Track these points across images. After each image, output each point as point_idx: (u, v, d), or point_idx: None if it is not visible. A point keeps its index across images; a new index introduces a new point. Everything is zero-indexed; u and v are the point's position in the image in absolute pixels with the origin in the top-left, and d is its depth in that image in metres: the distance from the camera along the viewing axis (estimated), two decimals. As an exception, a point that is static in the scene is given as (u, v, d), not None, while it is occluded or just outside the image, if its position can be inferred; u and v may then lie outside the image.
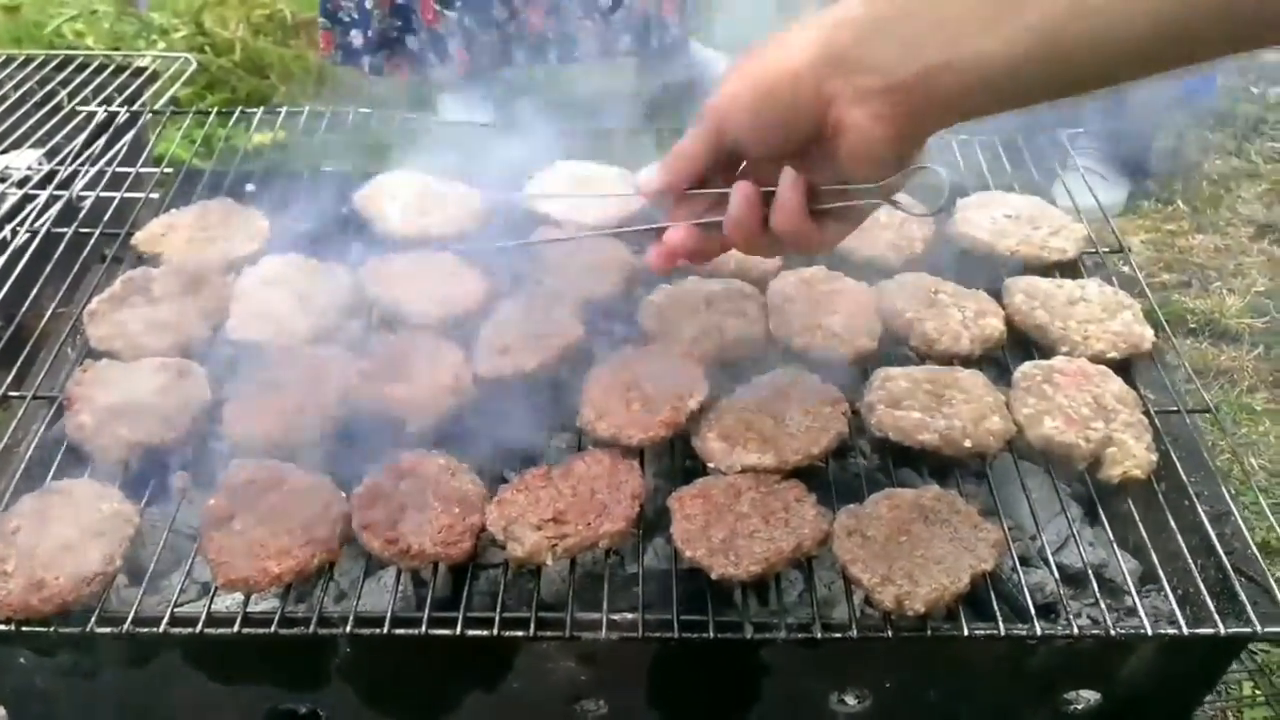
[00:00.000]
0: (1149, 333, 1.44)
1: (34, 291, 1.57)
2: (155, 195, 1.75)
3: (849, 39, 0.89)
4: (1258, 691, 1.76)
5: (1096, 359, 1.39)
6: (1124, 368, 1.42)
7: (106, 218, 1.69)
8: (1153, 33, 0.77)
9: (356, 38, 2.98)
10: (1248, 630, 1.13)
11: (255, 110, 1.95)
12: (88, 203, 1.74)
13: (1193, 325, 2.62)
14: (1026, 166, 1.82)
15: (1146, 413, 1.34)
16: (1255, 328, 2.60)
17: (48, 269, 1.60)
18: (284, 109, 1.95)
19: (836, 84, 0.90)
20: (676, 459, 1.36)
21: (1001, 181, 1.77)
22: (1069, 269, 1.59)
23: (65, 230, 1.67)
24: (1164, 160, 3.13)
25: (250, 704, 1.24)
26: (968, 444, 1.26)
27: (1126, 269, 1.64)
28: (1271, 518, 1.33)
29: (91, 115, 1.98)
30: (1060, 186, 1.81)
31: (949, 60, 0.84)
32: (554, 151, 1.73)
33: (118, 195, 1.77)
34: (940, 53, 0.84)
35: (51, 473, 1.27)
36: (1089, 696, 1.25)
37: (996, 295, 1.50)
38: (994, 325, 1.44)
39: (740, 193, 1.02)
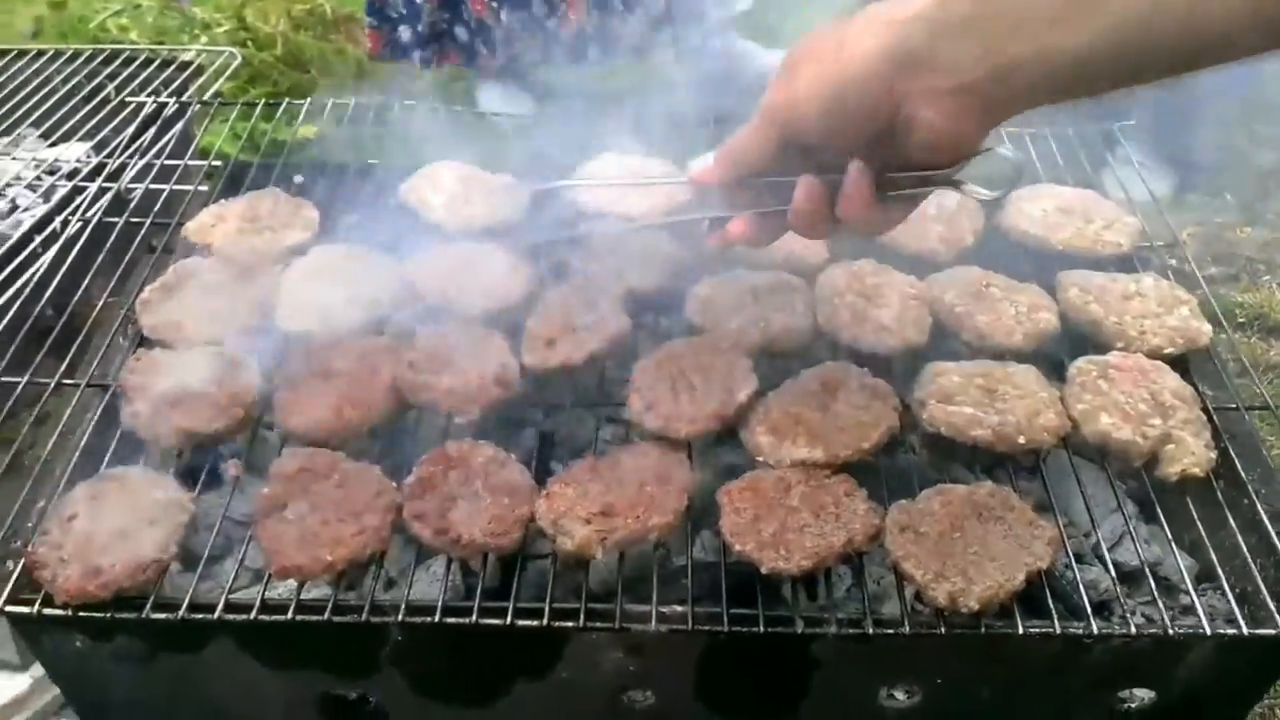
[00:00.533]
0: (1207, 328, 1.41)
1: (85, 282, 1.59)
2: (204, 187, 1.77)
3: (922, 38, 0.87)
4: (1310, 692, 1.73)
5: (1153, 354, 1.37)
6: (1179, 363, 1.40)
7: (156, 209, 1.70)
8: (1238, 18, 0.75)
9: (405, 32, 2.99)
10: (1310, 631, 1.11)
11: (301, 103, 1.96)
12: (137, 194, 1.76)
13: (1241, 320, 2.58)
14: (1078, 158, 1.80)
15: (1205, 409, 1.32)
16: (1305, 324, 2.56)
17: (99, 260, 1.62)
18: (330, 102, 1.96)
19: (908, 83, 0.89)
20: (724, 452, 1.36)
21: (1053, 174, 1.74)
22: (1123, 263, 1.56)
23: (116, 221, 1.68)
24: (1211, 152, 3.08)
25: (301, 690, 1.25)
26: (1022, 440, 1.25)
27: (1176, 263, 1.61)
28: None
29: (139, 108, 2.00)
30: (1112, 178, 1.78)
31: (1024, 59, 0.84)
32: (598, 144, 1.73)
33: (166, 187, 1.78)
34: (1015, 51, 0.84)
35: (106, 461, 1.28)
36: (1143, 695, 1.23)
37: (1049, 289, 1.48)
38: (1047, 319, 1.42)
39: (806, 186, 1.01)
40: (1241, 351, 2.27)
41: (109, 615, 1.11)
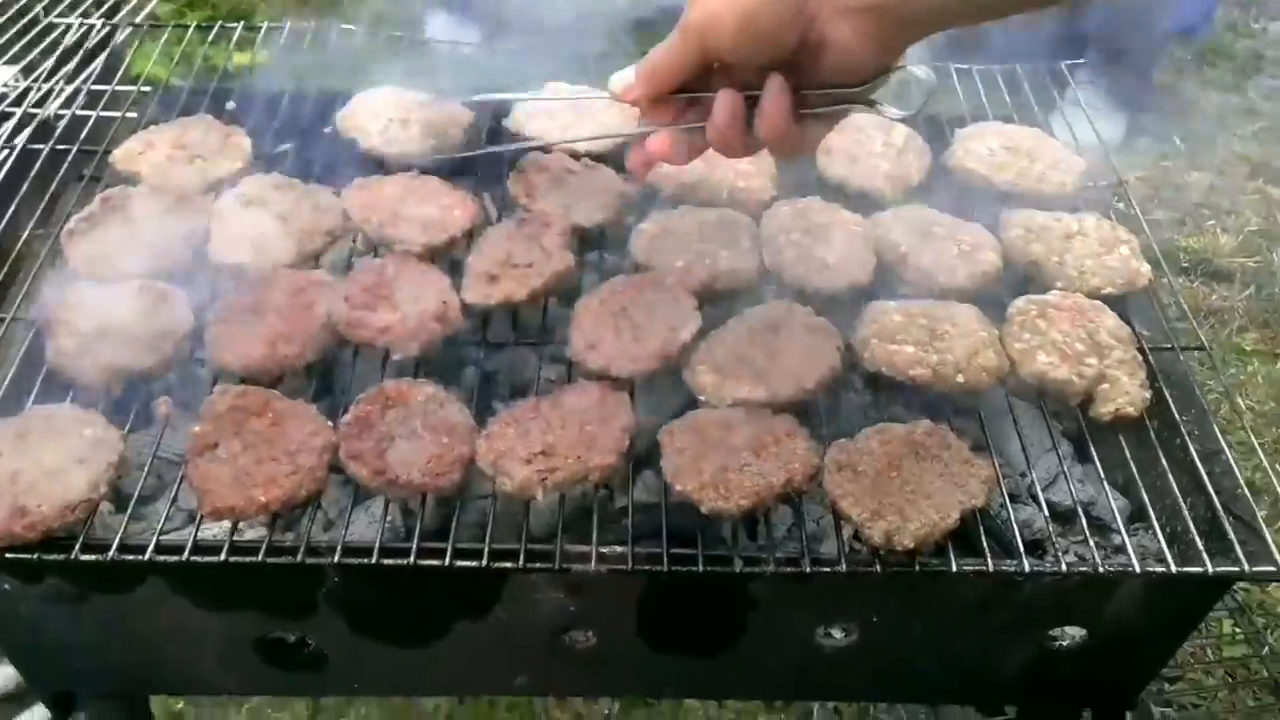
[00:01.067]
0: (1146, 269, 1.42)
1: (10, 212, 1.52)
2: (133, 114, 1.70)
3: None
4: (1237, 630, 1.79)
5: (1092, 294, 1.37)
6: (1119, 304, 1.41)
7: (83, 136, 1.64)
8: None
9: None
10: (1235, 570, 1.13)
11: (235, 26, 1.88)
12: (64, 121, 1.69)
13: (1185, 264, 2.61)
14: (1025, 97, 1.79)
15: (1141, 349, 1.33)
16: (1247, 267, 2.60)
17: (23, 189, 1.56)
18: (265, 25, 1.88)
19: (819, 2, 0.91)
20: (666, 391, 1.35)
21: (1000, 113, 1.73)
22: (1068, 203, 1.56)
23: (41, 148, 1.62)
24: (1161, 96, 3.09)
25: (238, 632, 1.24)
26: (960, 379, 1.25)
27: (1123, 205, 1.62)
28: (1262, 456, 1.32)
29: (68, 29, 1.91)
30: (1059, 118, 1.78)
31: None
32: (542, 72, 1.68)
33: (94, 113, 1.71)
34: None
35: (32, 398, 1.24)
36: (1074, 633, 1.26)
37: (993, 229, 1.48)
38: (990, 259, 1.42)
39: (724, 101, 0.99)
40: (1182, 295, 2.31)
41: (36, 557, 1.09)
